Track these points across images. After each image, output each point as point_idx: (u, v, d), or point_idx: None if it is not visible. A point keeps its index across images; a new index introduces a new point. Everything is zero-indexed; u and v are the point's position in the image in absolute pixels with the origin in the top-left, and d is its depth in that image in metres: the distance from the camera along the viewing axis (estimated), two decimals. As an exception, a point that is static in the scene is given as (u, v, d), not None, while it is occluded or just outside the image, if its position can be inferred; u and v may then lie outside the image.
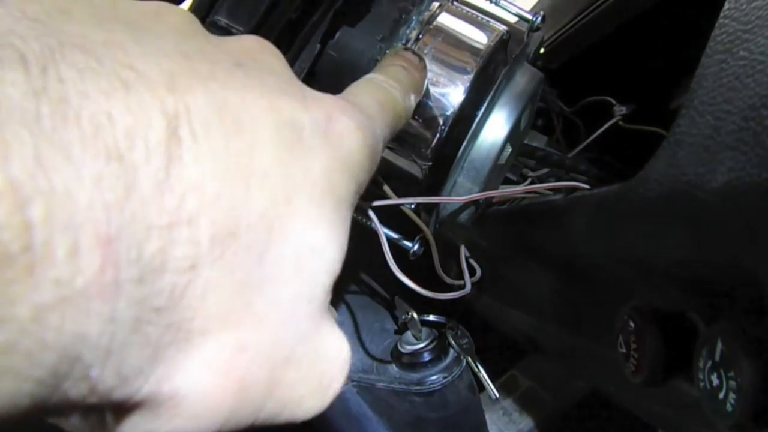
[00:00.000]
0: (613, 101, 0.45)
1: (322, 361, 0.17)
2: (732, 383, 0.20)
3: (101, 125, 0.12)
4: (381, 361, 0.42)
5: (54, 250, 0.10)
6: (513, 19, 0.39)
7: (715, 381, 0.21)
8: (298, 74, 0.32)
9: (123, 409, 0.13)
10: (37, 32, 0.12)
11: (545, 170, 0.42)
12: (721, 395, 0.20)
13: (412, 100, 0.26)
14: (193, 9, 0.28)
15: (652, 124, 0.45)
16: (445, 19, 0.35)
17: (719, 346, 0.21)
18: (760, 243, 0.17)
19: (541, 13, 0.37)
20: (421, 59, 0.29)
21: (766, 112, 0.18)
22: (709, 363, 0.21)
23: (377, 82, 0.24)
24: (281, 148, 0.16)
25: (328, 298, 0.17)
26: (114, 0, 0.16)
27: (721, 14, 0.23)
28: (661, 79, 0.52)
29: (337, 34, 0.34)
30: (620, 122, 0.43)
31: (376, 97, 0.22)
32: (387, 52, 0.31)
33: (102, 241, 0.11)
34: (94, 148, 0.11)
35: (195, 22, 0.18)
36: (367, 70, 0.33)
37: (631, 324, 0.26)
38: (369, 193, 0.35)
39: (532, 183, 0.42)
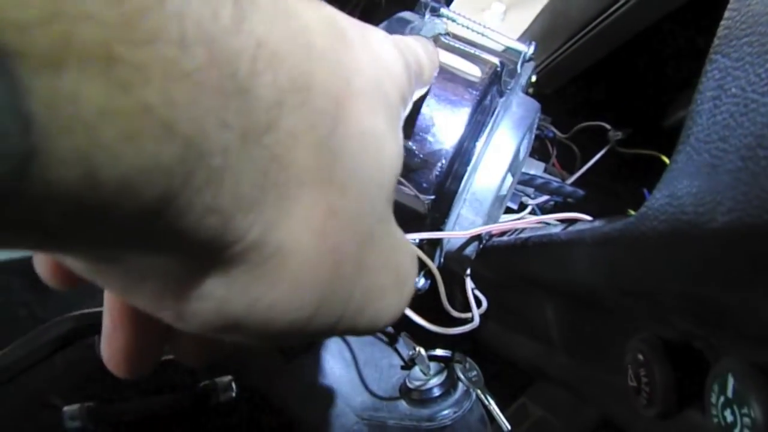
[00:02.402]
0: (608, 126, 0.45)
1: (397, 251, 0.18)
2: (746, 420, 0.20)
3: None
4: (390, 398, 0.42)
5: (163, 29, 0.10)
6: (505, 49, 0.40)
7: (729, 417, 0.21)
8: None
9: (228, 259, 0.13)
10: None
11: (545, 198, 0.42)
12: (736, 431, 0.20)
13: (433, 59, 0.26)
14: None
15: (648, 144, 0.46)
16: (439, 55, 0.35)
17: (731, 381, 0.21)
18: (765, 285, 0.17)
19: (533, 43, 0.38)
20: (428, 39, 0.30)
21: (762, 152, 0.18)
22: (722, 399, 0.21)
23: (398, 38, 0.25)
24: (332, 38, 0.16)
25: (393, 196, 0.18)
26: None
27: (712, 49, 0.23)
28: (655, 98, 0.53)
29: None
30: (616, 147, 0.44)
31: (403, 46, 0.23)
32: None
33: (204, 39, 0.11)
34: None
35: None
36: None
37: (640, 357, 0.26)
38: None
39: (532, 211, 0.42)
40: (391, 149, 0.17)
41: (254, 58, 0.13)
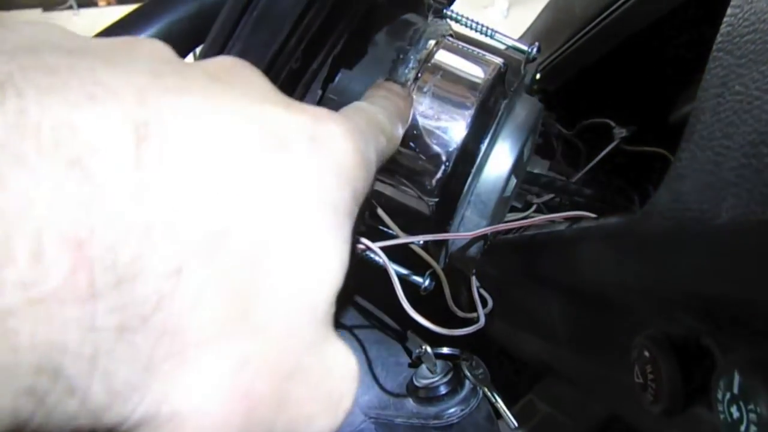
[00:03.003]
0: (613, 123, 0.45)
1: (330, 375, 0.17)
2: (752, 416, 0.20)
3: (62, 135, 0.12)
4: (397, 396, 0.42)
5: (14, 250, 0.10)
6: (508, 49, 0.40)
7: (735, 413, 0.21)
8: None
9: None
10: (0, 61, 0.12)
11: (550, 196, 0.42)
12: (743, 428, 0.20)
13: (399, 127, 0.25)
14: (197, 65, 0.28)
15: (654, 141, 0.46)
16: (443, 56, 0.35)
17: (737, 378, 0.21)
18: (770, 281, 0.17)
19: (537, 44, 0.38)
20: (404, 86, 0.29)
21: (765, 149, 0.18)
22: (728, 395, 0.21)
23: (362, 107, 0.24)
24: (267, 155, 0.15)
25: (332, 310, 0.16)
26: (85, 40, 0.16)
27: (715, 46, 0.23)
28: (659, 94, 0.53)
29: (337, 78, 0.34)
30: (621, 144, 0.44)
31: (364, 117, 0.22)
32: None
33: (71, 244, 0.11)
34: (53, 157, 0.11)
35: (168, 50, 0.18)
36: (368, 111, 0.34)
37: (646, 353, 0.26)
38: (377, 230, 0.36)
39: (537, 209, 0.42)
40: (330, 264, 0.16)
41: (148, 228, 0.12)
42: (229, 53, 0.28)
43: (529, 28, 0.65)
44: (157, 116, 0.13)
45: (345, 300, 0.46)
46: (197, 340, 0.13)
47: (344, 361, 0.17)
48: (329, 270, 0.16)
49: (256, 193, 0.15)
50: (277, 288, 0.15)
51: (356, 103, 0.25)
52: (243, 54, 0.28)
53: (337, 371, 0.17)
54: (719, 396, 0.22)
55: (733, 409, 0.21)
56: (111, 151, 0.12)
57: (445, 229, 0.34)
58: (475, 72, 0.35)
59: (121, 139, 0.12)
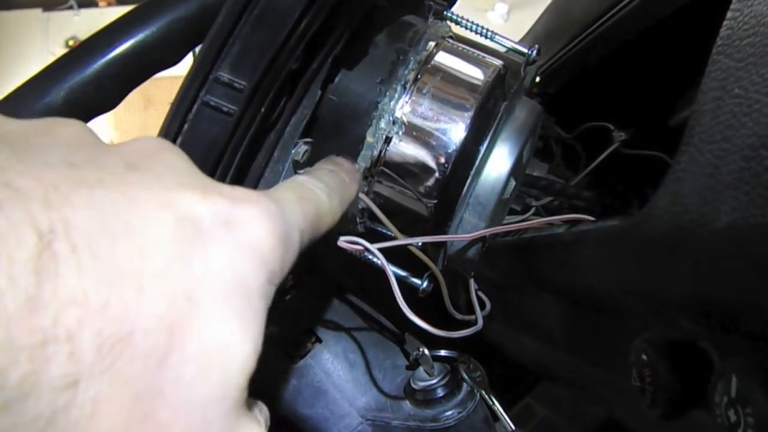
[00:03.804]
0: (612, 127, 0.45)
1: None
2: (750, 419, 0.20)
3: None
4: (394, 398, 0.42)
5: None
6: (508, 52, 0.40)
7: (733, 417, 0.21)
8: (300, 121, 0.33)
9: None
10: None
11: (549, 198, 0.42)
12: (740, 431, 0.20)
13: (337, 202, 0.25)
14: (196, 65, 0.28)
15: (653, 145, 0.46)
16: (443, 58, 0.35)
17: (734, 381, 0.21)
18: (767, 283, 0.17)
19: (536, 46, 0.38)
20: (353, 164, 0.30)
21: (765, 152, 0.18)
22: (725, 399, 0.21)
23: (300, 181, 0.24)
24: (179, 243, 0.15)
25: (244, 395, 0.16)
26: (3, 123, 0.16)
27: (714, 50, 0.23)
28: (659, 97, 0.53)
29: (337, 79, 0.34)
30: (620, 148, 0.44)
31: (297, 192, 0.22)
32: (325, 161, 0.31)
33: None
34: None
35: (88, 133, 0.18)
36: (367, 113, 0.34)
37: (644, 357, 0.26)
38: (376, 232, 0.36)
39: (536, 212, 0.42)
40: (240, 352, 0.16)
41: (42, 344, 0.12)
42: (228, 52, 0.28)
43: (528, 32, 0.65)
44: (63, 219, 0.13)
45: (342, 302, 0.46)
46: None
47: None
48: (237, 357, 0.16)
49: (163, 289, 0.15)
50: (181, 384, 0.15)
51: (298, 176, 0.25)
52: (242, 53, 0.28)
53: None
54: (717, 399, 0.22)
55: (731, 413, 0.21)
56: (7, 264, 0.12)
57: (443, 231, 0.34)
58: (474, 74, 0.35)
59: (21, 250, 0.12)
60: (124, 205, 0.15)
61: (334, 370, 0.42)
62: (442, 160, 0.33)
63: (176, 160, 0.18)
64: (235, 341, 0.16)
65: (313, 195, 0.23)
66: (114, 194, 0.15)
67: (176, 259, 0.15)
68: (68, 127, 0.17)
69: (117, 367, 0.13)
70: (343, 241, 0.29)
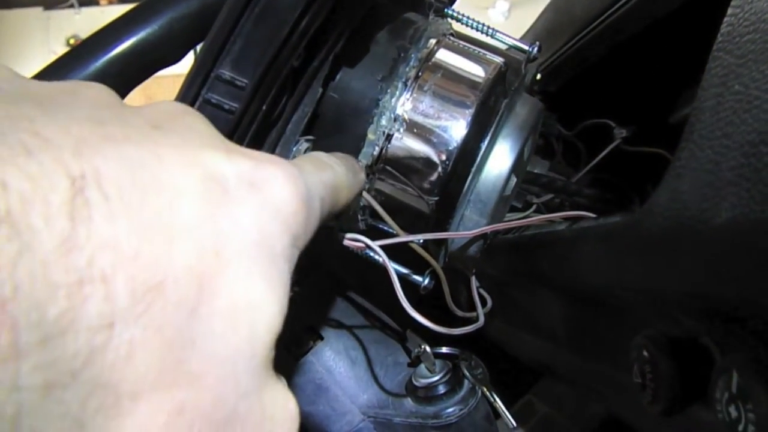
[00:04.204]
0: (613, 124, 0.45)
1: (269, 420, 0.17)
2: (751, 415, 0.20)
3: None
4: (396, 395, 0.42)
5: None
6: (509, 49, 0.40)
7: (734, 413, 0.21)
8: (301, 118, 0.33)
9: None
10: None
11: (550, 196, 0.42)
12: (741, 427, 0.20)
13: (353, 178, 0.25)
14: (198, 62, 0.28)
15: (654, 142, 0.46)
16: (443, 55, 0.35)
17: (735, 377, 0.21)
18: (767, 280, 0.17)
19: (537, 43, 0.38)
20: (358, 161, 0.30)
21: (765, 148, 0.18)
22: (726, 394, 0.21)
23: (317, 155, 0.24)
24: (206, 200, 0.16)
25: (271, 354, 0.17)
26: (26, 83, 0.16)
27: (715, 46, 0.23)
28: (660, 95, 0.53)
29: (338, 76, 0.34)
30: (621, 145, 0.44)
31: (315, 164, 0.22)
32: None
33: None
34: None
35: (112, 95, 0.18)
36: (368, 110, 0.34)
37: (645, 353, 0.26)
38: (377, 229, 0.36)
39: (537, 209, 0.42)
40: (266, 310, 0.16)
41: (78, 283, 0.12)
42: (230, 50, 0.28)
43: (529, 29, 0.65)
44: (94, 168, 0.13)
45: (344, 299, 0.46)
46: (131, 391, 0.13)
47: (282, 404, 0.17)
48: (265, 316, 0.16)
49: (192, 243, 0.15)
50: (212, 336, 0.15)
51: (312, 153, 0.25)
52: (244, 51, 0.28)
53: (277, 415, 0.17)
54: (718, 395, 0.22)
55: (732, 409, 0.21)
56: (42, 206, 0.12)
57: (444, 228, 0.35)
58: (475, 71, 0.35)
59: (54, 194, 0.12)
60: (152, 161, 0.15)
61: (336, 367, 0.43)
62: (444, 157, 0.33)
63: (199, 123, 0.18)
64: (262, 300, 0.16)
65: (330, 167, 0.23)
66: (142, 150, 0.15)
67: (204, 215, 0.15)
68: (92, 88, 0.17)
69: (150, 314, 0.13)
70: (345, 238, 0.30)
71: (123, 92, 0.33)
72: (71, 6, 2.63)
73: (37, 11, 2.63)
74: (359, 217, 0.35)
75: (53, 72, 0.31)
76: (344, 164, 0.25)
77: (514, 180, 0.36)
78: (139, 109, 0.18)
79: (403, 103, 0.34)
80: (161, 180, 0.15)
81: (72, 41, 2.52)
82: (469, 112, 0.33)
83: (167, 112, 0.18)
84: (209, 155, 0.16)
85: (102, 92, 0.18)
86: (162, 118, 0.17)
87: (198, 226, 0.15)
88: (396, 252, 0.32)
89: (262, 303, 0.16)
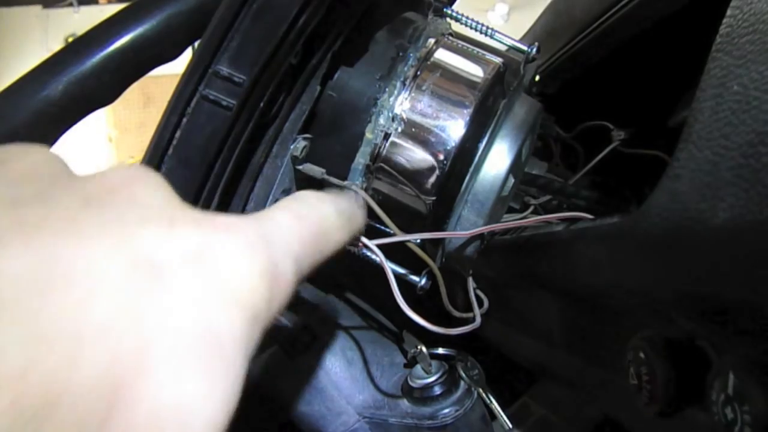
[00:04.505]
0: (611, 126, 0.45)
1: None
2: (747, 417, 0.20)
3: None
4: (392, 396, 0.42)
5: None
6: (508, 50, 0.40)
7: (730, 414, 0.21)
8: (299, 117, 0.33)
9: None
10: None
11: (547, 197, 0.42)
12: (737, 429, 0.20)
13: (346, 218, 0.22)
14: (195, 58, 0.28)
15: (652, 144, 0.46)
16: (442, 55, 0.35)
17: (731, 378, 0.21)
18: (765, 282, 0.17)
19: (536, 44, 0.38)
20: (358, 194, 0.29)
21: (764, 149, 0.18)
22: (722, 396, 0.21)
23: (302, 196, 0.21)
24: (130, 292, 0.14)
25: None
26: None
27: (713, 47, 0.23)
28: (658, 97, 0.53)
29: (336, 75, 0.34)
30: (619, 147, 0.44)
31: (295, 211, 0.20)
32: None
33: None
34: None
35: (52, 163, 0.16)
36: (366, 109, 0.34)
37: (642, 355, 0.26)
38: (374, 229, 0.36)
39: (534, 210, 0.42)
40: (205, 412, 0.14)
41: None
42: (228, 46, 0.27)
43: (528, 31, 0.65)
44: None
45: (340, 299, 0.46)
46: None
47: None
48: (204, 418, 0.14)
49: (105, 347, 0.13)
50: None
51: (298, 192, 0.23)
52: (242, 47, 0.28)
53: None
54: (714, 397, 0.22)
55: (728, 410, 0.21)
56: None
57: (442, 228, 0.34)
58: (474, 71, 0.35)
59: None
60: (67, 250, 0.13)
61: (332, 367, 0.43)
62: (441, 156, 0.33)
63: (148, 191, 0.16)
64: (197, 399, 0.14)
65: (315, 211, 0.21)
66: (58, 238, 0.13)
67: (125, 311, 0.13)
68: (27, 157, 0.16)
69: None
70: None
71: (120, 88, 0.33)
72: (70, 4, 2.63)
73: (36, 9, 2.62)
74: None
75: (50, 66, 0.31)
76: (335, 204, 0.22)
77: (511, 180, 0.36)
78: (79, 182, 0.16)
79: (402, 103, 0.33)
80: (74, 273, 0.13)
81: (70, 40, 2.51)
82: (467, 112, 0.33)
83: (112, 183, 0.16)
84: (146, 233, 0.15)
85: (38, 162, 0.16)
86: (101, 192, 0.15)
87: (114, 325, 0.13)
88: (393, 252, 0.31)
89: (196, 403, 0.14)
